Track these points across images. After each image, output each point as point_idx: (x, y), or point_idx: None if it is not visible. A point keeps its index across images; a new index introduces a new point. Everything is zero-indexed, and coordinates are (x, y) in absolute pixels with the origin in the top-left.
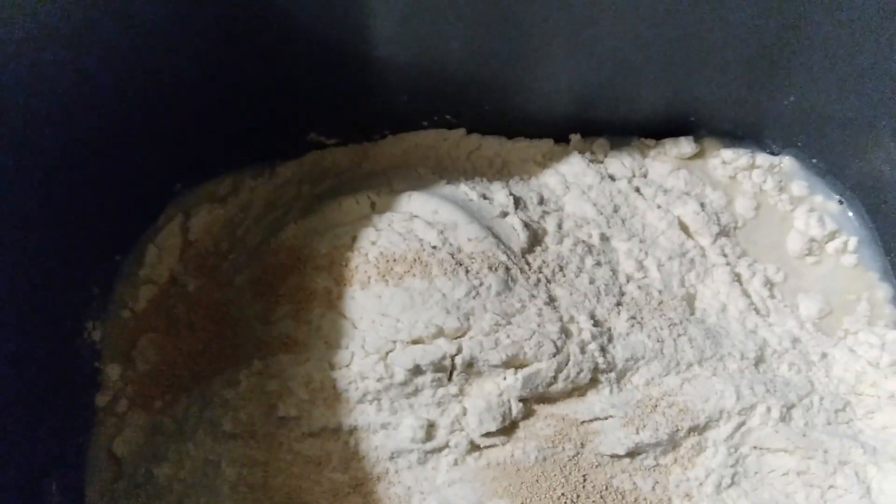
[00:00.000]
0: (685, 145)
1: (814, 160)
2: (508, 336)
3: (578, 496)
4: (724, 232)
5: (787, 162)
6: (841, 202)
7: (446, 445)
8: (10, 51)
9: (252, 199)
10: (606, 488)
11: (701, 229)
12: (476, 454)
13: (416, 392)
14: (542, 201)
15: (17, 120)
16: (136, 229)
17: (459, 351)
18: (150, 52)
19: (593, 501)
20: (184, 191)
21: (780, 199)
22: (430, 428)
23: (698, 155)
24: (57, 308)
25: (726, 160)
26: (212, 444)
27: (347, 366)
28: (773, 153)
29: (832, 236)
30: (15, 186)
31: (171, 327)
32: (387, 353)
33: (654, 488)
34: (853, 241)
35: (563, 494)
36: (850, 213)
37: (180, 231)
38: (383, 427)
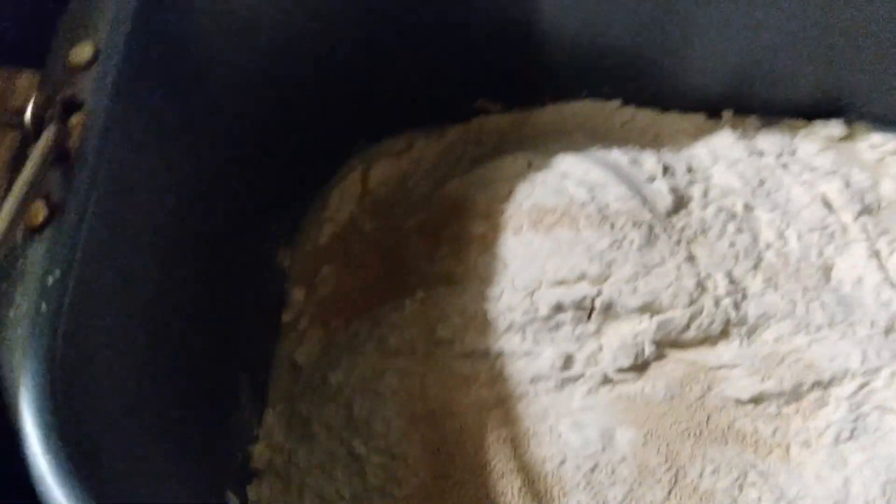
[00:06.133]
0: (835, 127)
1: None
2: (647, 284)
3: (701, 433)
4: (866, 210)
5: None
6: None
7: (582, 376)
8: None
9: (423, 156)
10: (729, 428)
11: (844, 206)
12: (608, 386)
13: (557, 327)
14: (689, 170)
15: (229, 77)
16: (324, 176)
17: (600, 294)
18: (346, 22)
19: (715, 438)
20: (366, 146)
21: None
22: (568, 359)
23: (847, 137)
24: (256, 236)
25: (875, 144)
26: (378, 357)
27: (498, 299)
28: None
29: None
30: (233, 134)
31: (349, 261)
32: (533, 291)
33: (774, 434)
34: None
35: (686, 429)
36: None
37: (360, 180)
38: (526, 354)
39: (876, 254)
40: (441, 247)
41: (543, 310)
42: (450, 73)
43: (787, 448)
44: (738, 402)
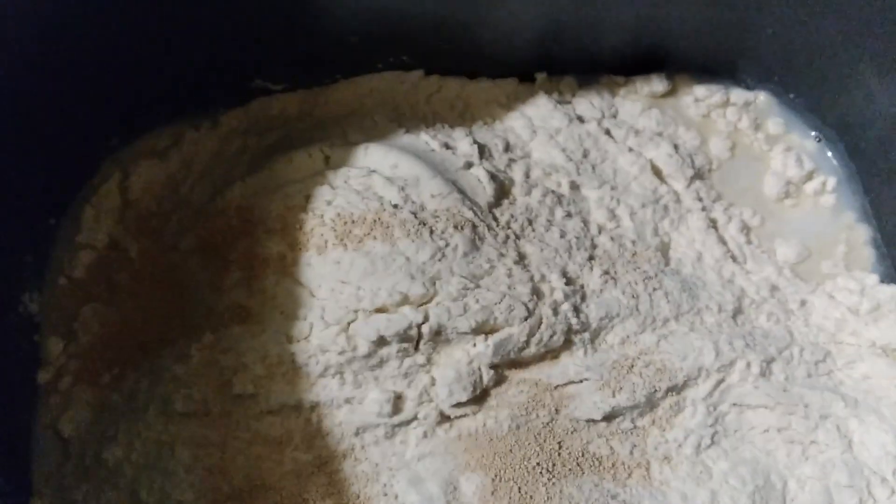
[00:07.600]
0: (656, 83)
1: (791, 95)
2: (477, 301)
3: (554, 465)
4: (698, 175)
5: (762, 98)
6: (819, 140)
7: (415, 418)
8: None
9: (195, 153)
10: (583, 455)
11: (674, 173)
12: (446, 426)
13: (381, 364)
14: (507, 148)
15: None
16: (70, 189)
17: (426, 319)
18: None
19: (570, 469)
20: (120, 146)
21: (755, 139)
22: (398, 400)
23: (670, 93)
24: None
25: (699, 97)
26: (164, 423)
27: (306, 338)
28: (748, 88)
29: (810, 176)
30: None
31: (114, 296)
32: (348, 324)
33: (632, 452)
34: (832, 182)
35: (538, 464)
36: (829, 152)
37: (118, 190)
38: (347, 402)
39: (713, 223)
40: (229, 272)
41: (363, 346)
42: (216, 49)
43: (648, 467)
44: (590, 422)
